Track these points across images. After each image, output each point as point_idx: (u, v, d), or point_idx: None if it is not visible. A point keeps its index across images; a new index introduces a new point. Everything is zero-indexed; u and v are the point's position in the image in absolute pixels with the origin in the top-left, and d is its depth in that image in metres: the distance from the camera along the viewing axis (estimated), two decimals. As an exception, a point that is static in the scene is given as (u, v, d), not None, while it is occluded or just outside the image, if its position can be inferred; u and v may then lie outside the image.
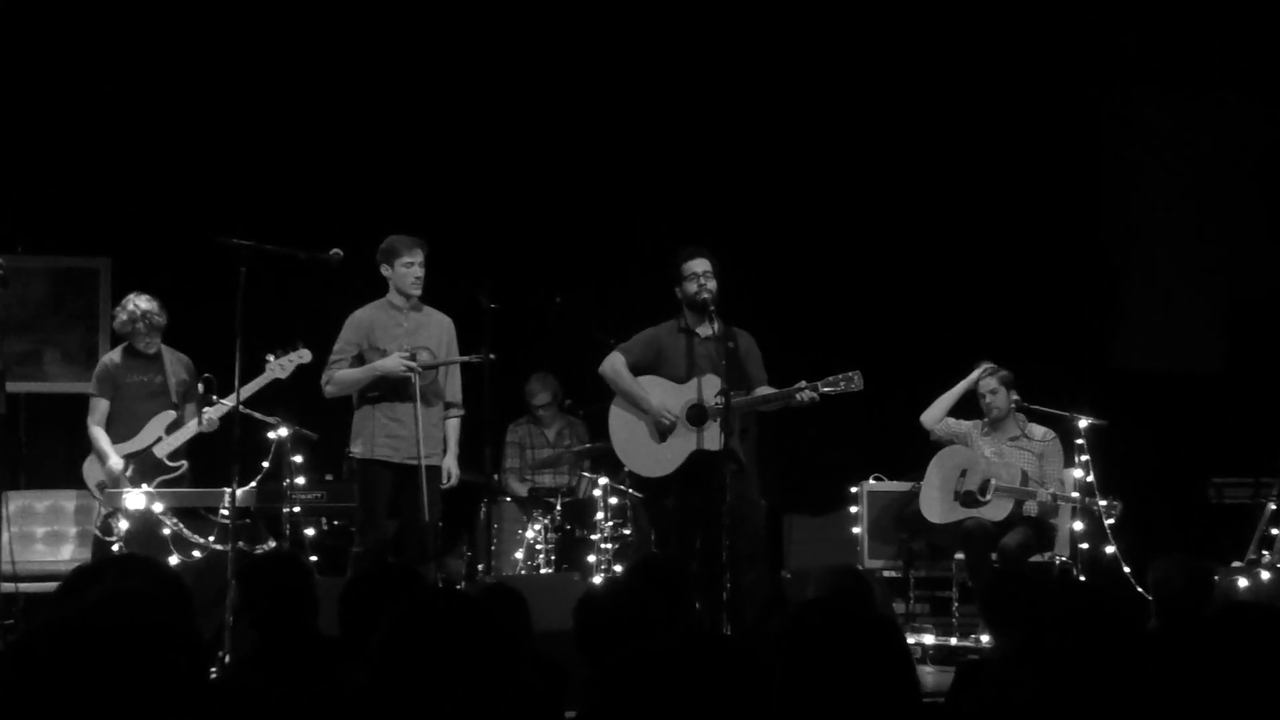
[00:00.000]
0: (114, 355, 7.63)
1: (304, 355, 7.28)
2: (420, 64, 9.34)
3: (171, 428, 7.48)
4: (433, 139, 9.36)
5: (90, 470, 7.49)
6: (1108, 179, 10.06)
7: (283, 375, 7.30)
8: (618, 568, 7.91)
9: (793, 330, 8.80)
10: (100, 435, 7.46)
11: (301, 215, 8.52)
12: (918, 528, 8.08)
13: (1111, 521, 7.63)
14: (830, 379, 6.73)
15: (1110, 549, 7.71)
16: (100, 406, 7.51)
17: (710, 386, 6.87)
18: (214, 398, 7.31)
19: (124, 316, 7.53)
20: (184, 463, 7.45)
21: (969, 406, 8.13)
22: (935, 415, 8.04)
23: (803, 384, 6.75)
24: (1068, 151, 9.86)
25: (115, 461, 7.35)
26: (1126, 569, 7.58)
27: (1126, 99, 9.92)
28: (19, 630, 6.73)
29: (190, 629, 2.07)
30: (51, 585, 7.13)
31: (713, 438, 6.81)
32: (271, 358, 7.29)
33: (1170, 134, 9.95)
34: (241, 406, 6.68)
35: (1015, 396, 7.99)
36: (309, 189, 9.12)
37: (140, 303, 7.51)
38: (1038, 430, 7.99)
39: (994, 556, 7.74)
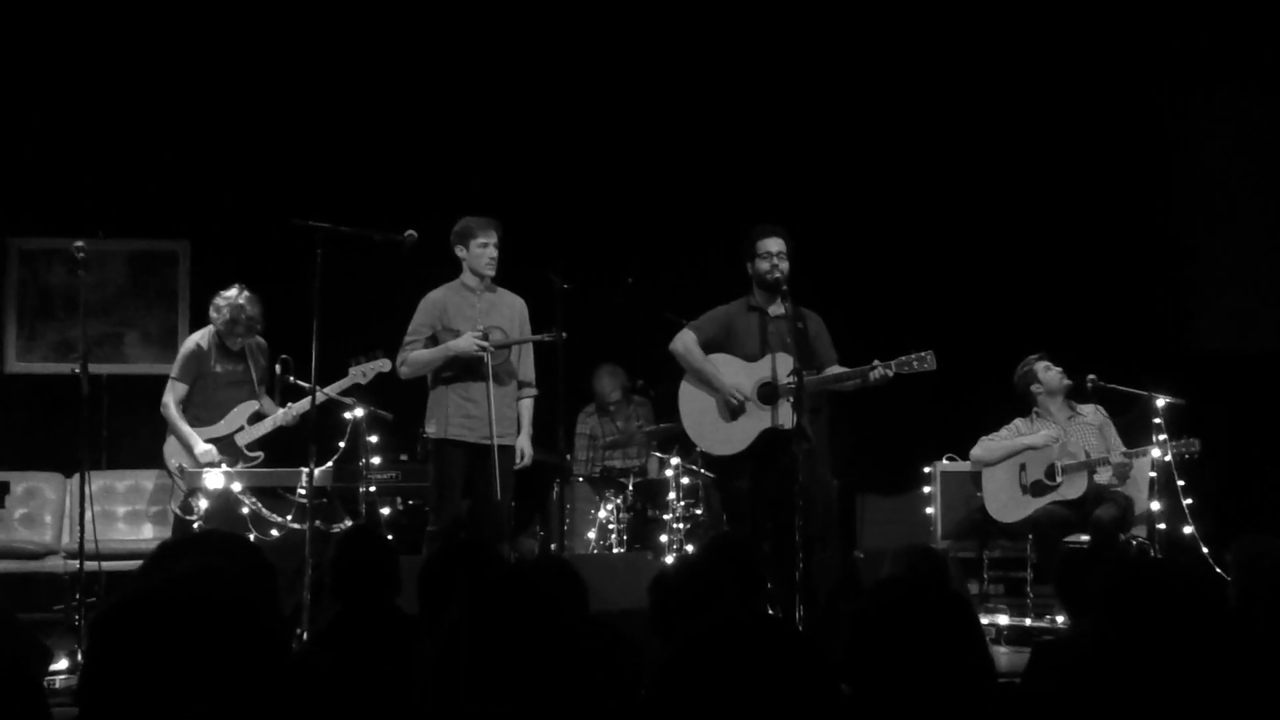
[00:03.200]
0: (202, 342, 7.61)
1: (384, 364, 7.32)
2: (493, 45, 9.38)
3: (254, 418, 7.54)
4: (506, 119, 9.40)
5: (171, 452, 7.55)
6: (1184, 161, 9.91)
7: (363, 381, 7.35)
8: (689, 548, 7.93)
9: (866, 310, 8.77)
10: (181, 419, 7.48)
11: (376, 197, 8.58)
12: (989, 529, 8.04)
13: (1173, 458, 7.57)
14: (904, 358, 6.72)
15: (1188, 529, 7.63)
16: (179, 390, 7.53)
17: (783, 365, 6.86)
18: (291, 379, 7.38)
19: (226, 314, 7.51)
20: (261, 454, 7.50)
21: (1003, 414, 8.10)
22: (990, 462, 7.99)
23: (876, 362, 6.75)
24: (1144, 133, 9.74)
25: (205, 449, 7.42)
26: (1205, 549, 7.50)
27: (1202, 84, 9.76)
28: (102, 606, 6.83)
29: (274, 605, 2.10)
30: (132, 564, 7.30)
31: (784, 416, 6.81)
32: (354, 365, 7.34)
33: (1246, 118, 9.78)
34: (321, 390, 6.75)
35: (1067, 381, 7.97)
36: (384, 171, 9.19)
37: (244, 303, 7.49)
38: (1086, 408, 7.98)
39: (1066, 539, 7.71)
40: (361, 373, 7.33)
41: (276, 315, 7.81)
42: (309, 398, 6.72)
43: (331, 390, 7.24)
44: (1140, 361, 8.52)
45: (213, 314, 7.57)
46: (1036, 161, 9.63)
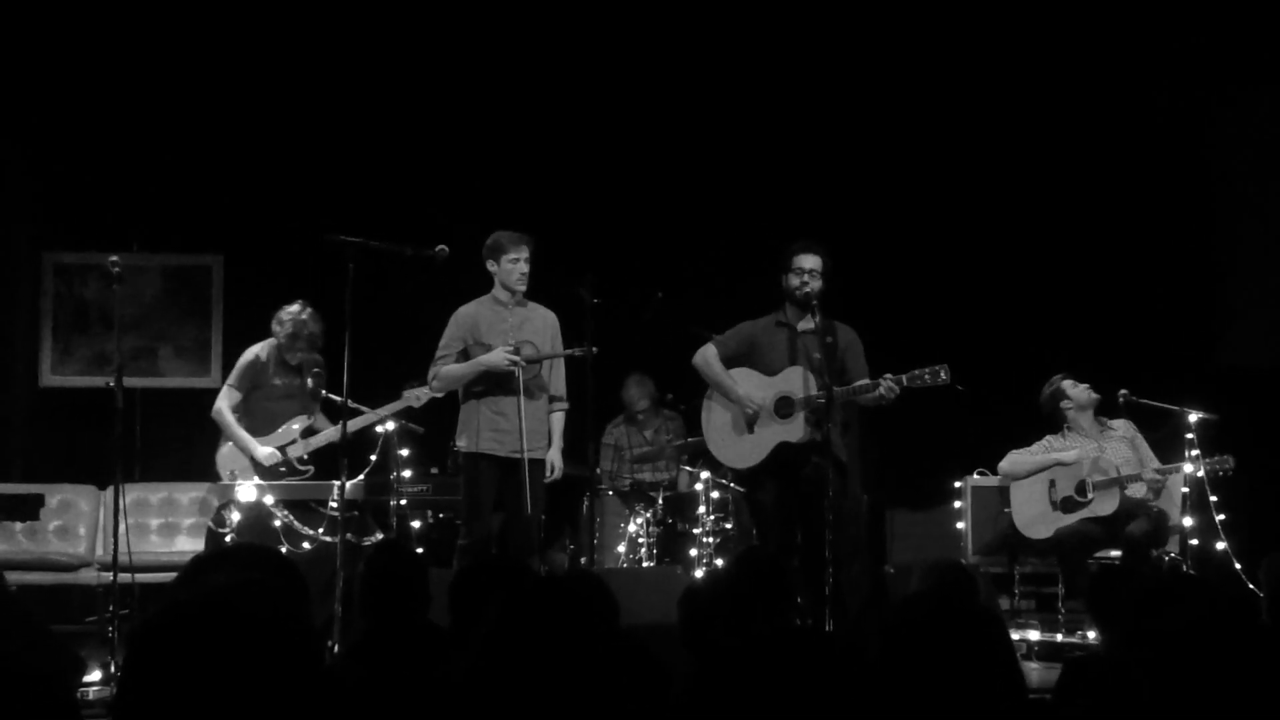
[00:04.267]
0: (261, 353, 7.59)
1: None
2: (527, 63, 9.42)
3: (307, 432, 7.55)
4: (538, 135, 9.44)
5: (224, 461, 7.52)
6: (1217, 173, 9.85)
7: (416, 405, 7.37)
8: (719, 562, 7.93)
9: (895, 325, 8.75)
10: (236, 424, 7.45)
11: (409, 212, 8.62)
12: (1020, 545, 8.02)
13: (1206, 474, 7.53)
14: (915, 372, 6.67)
15: (1221, 544, 7.59)
16: (233, 396, 7.51)
17: (808, 381, 6.84)
18: (324, 392, 7.43)
19: (290, 328, 7.50)
20: (312, 468, 7.48)
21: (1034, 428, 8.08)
22: (1017, 476, 7.98)
23: (888, 376, 6.70)
24: (1177, 146, 9.69)
25: (267, 451, 7.44)
26: (1238, 565, 7.45)
27: (1237, 95, 9.69)
28: (135, 619, 6.89)
29: (307, 618, 2.12)
30: (165, 576, 7.33)
31: (800, 431, 6.79)
32: (408, 389, 7.36)
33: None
34: (374, 411, 6.81)
35: (1095, 396, 7.95)
36: (416, 186, 9.24)
37: (307, 319, 7.49)
38: (1117, 422, 7.95)
39: (1095, 556, 7.69)
40: (415, 396, 7.35)
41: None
42: (364, 416, 6.97)
43: (385, 411, 7.29)
44: (1173, 376, 8.49)
45: (275, 327, 7.57)
46: (1068, 175, 9.60)
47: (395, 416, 7.47)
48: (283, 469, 7.43)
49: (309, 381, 7.53)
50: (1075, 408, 7.99)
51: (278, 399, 7.57)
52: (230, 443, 7.50)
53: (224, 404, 7.53)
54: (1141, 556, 7.52)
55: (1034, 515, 7.89)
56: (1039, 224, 9.59)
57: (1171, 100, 9.61)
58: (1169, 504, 7.82)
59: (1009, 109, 9.57)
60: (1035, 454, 7.99)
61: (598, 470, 9.07)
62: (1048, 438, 8.06)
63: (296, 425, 7.53)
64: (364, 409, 7.26)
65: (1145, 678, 2.63)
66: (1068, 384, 8.03)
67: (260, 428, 7.50)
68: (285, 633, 1.92)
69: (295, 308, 7.54)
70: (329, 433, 7.43)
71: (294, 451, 7.49)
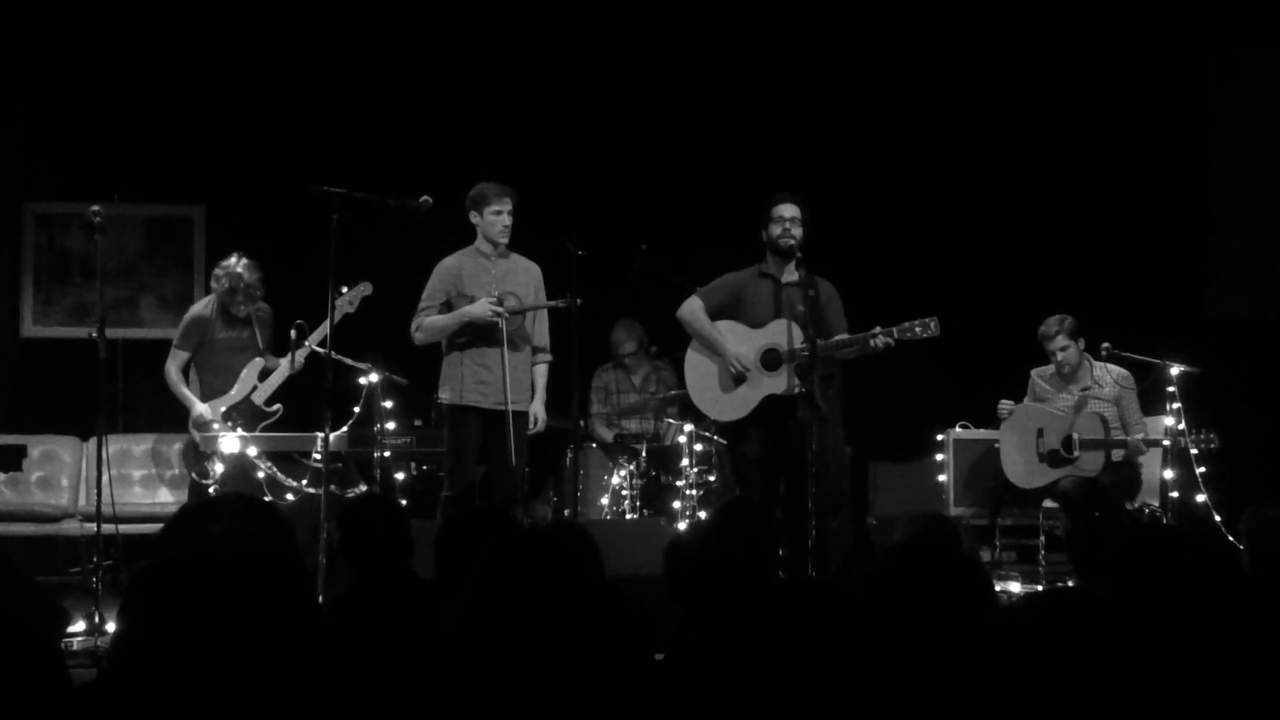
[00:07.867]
0: (204, 310, 7.68)
1: (366, 288, 7.39)
2: (510, 12, 9.35)
3: (263, 374, 7.59)
4: (523, 86, 9.38)
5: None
6: (1208, 124, 9.83)
7: (351, 310, 7.36)
8: (703, 514, 7.94)
9: (879, 275, 8.75)
10: (181, 384, 7.57)
11: (393, 163, 8.58)
12: (1003, 497, 8.00)
13: (1198, 452, 7.52)
14: (906, 325, 6.68)
15: (1201, 497, 7.61)
16: (180, 357, 7.63)
17: (793, 332, 6.85)
18: (306, 343, 7.41)
19: (226, 283, 7.57)
20: (279, 406, 7.56)
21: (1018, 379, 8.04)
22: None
23: (878, 329, 6.72)
24: (1167, 98, 9.67)
25: (200, 409, 7.48)
26: (1218, 517, 7.48)
27: (1229, 46, 9.66)
28: (118, 571, 6.89)
29: (304, 568, 2.12)
30: (148, 527, 7.34)
31: (788, 383, 6.81)
32: (338, 298, 7.30)
33: (1273, 82, 9.69)
34: (331, 351, 6.76)
35: (1082, 343, 7.87)
36: (400, 137, 9.18)
37: (243, 271, 7.54)
38: (1109, 373, 7.86)
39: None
40: (348, 301, 7.36)
41: (292, 281, 7.83)
42: (308, 339, 7.12)
43: (323, 330, 7.19)
44: (1157, 328, 8.50)
45: (213, 284, 7.67)
46: (1057, 123, 9.57)
47: (379, 369, 7.45)
48: (230, 420, 7.46)
49: (292, 334, 7.50)
50: (1062, 361, 7.88)
51: (226, 352, 7.63)
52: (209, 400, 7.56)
53: (170, 365, 7.64)
54: (1113, 505, 7.53)
55: (1024, 466, 7.84)
56: (1025, 174, 9.57)
57: (1163, 50, 9.58)
58: (1148, 457, 7.83)
59: (995, 57, 9.54)
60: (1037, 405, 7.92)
61: (591, 414, 9.08)
62: (1034, 374, 7.98)
63: (252, 372, 7.57)
64: (345, 359, 7.25)
65: (1129, 628, 2.65)
66: (1050, 347, 7.86)
67: (220, 385, 7.57)
68: (290, 578, 1.93)
69: (231, 260, 7.61)
70: (282, 369, 7.52)
71: (258, 398, 7.52)
